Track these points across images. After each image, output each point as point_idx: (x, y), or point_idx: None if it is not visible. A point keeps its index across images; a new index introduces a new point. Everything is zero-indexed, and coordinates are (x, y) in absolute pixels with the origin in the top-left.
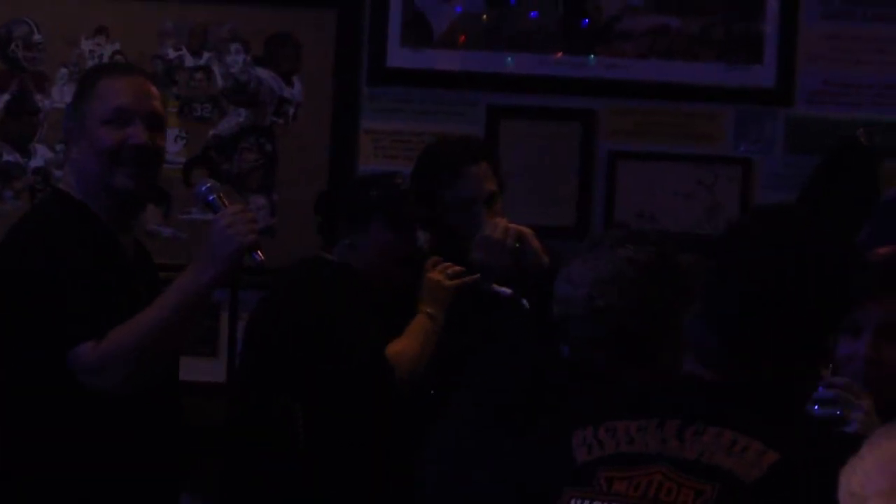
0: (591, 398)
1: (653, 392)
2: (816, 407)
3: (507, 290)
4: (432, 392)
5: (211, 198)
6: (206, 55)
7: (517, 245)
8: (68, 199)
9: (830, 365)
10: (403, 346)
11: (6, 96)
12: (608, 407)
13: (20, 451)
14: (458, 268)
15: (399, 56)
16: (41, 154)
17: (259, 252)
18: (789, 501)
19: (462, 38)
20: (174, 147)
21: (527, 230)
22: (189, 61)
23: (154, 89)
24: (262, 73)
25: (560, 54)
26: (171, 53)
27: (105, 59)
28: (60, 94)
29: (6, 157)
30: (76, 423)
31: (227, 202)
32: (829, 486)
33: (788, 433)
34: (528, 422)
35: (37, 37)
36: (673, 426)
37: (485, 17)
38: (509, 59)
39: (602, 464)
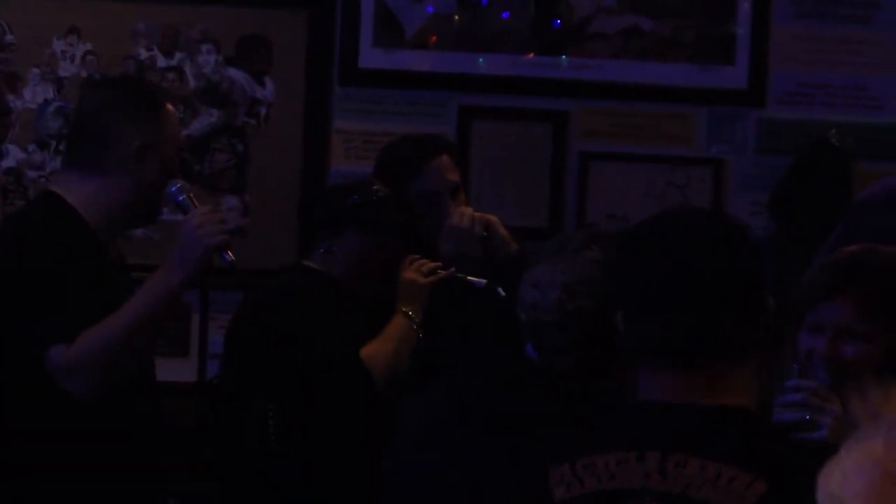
0: (564, 431)
1: (625, 421)
2: (785, 411)
3: (482, 281)
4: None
5: (181, 198)
6: (177, 56)
7: (484, 233)
8: (59, 202)
9: (796, 365)
10: (377, 348)
11: None
12: (582, 441)
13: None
14: (433, 264)
15: (371, 57)
16: (13, 154)
17: (229, 252)
18: None
19: (434, 38)
20: None
21: (493, 217)
22: (161, 62)
23: None
24: (234, 73)
25: (532, 55)
26: (143, 54)
27: (77, 60)
28: (32, 95)
29: None
30: (57, 425)
31: (197, 203)
32: None
33: (771, 458)
34: (496, 430)
35: (8, 37)
36: (653, 458)
37: (457, 17)
38: (481, 59)
39: (583, 501)
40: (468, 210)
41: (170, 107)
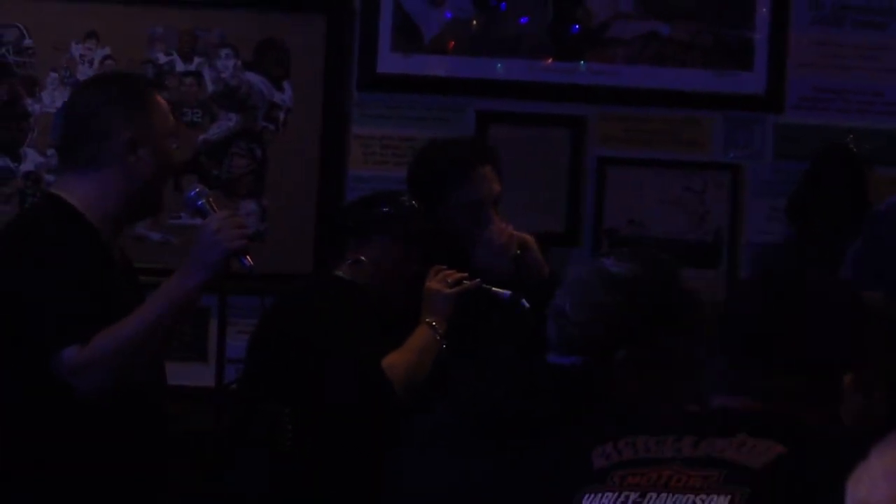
0: (613, 418)
1: (675, 415)
2: None
3: (507, 293)
4: None
5: (200, 203)
6: (196, 60)
7: (518, 252)
8: (61, 203)
9: None
10: (398, 358)
11: None
12: (628, 426)
13: (4, 453)
14: (458, 274)
15: (389, 62)
16: (31, 159)
17: (248, 257)
18: (795, 484)
19: (452, 43)
20: None
21: (529, 238)
22: (179, 66)
23: None
24: (253, 78)
25: (550, 60)
26: (162, 58)
27: (96, 64)
28: (51, 99)
29: None
30: (60, 428)
31: (215, 207)
32: (835, 477)
33: (799, 435)
34: (505, 435)
35: (27, 41)
36: (689, 440)
37: (474, 22)
38: (499, 64)
39: (617, 467)
40: (508, 227)
41: (159, 98)
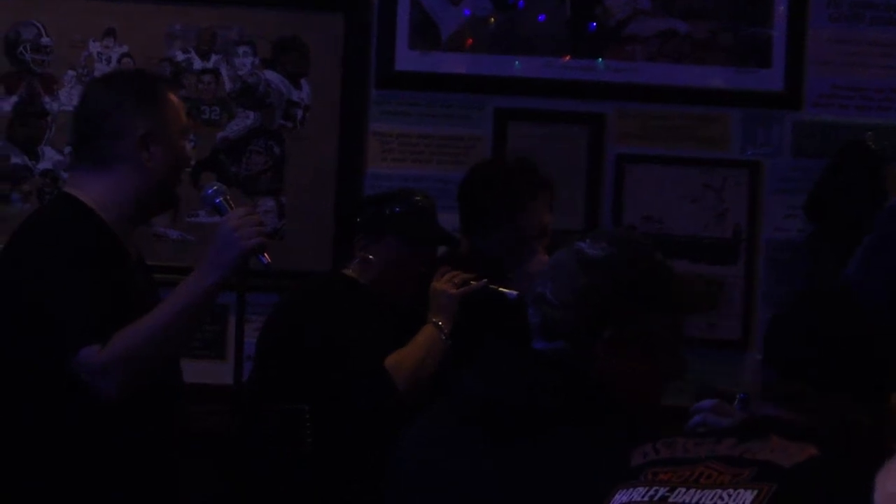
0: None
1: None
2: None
3: (514, 293)
4: None
5: (217, 200)
6: (214, 58)
7: None
8: (76, 202)
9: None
10: (402, 357)
11: (14, 99)
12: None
13: (21, 454)
14: (465, 275)
15: (407, 59)
16: (49, 157)
17: (266, 255)
18: (825, 485)
19: (470, 41)
20: None
21: None
22: (197, 64)
23: None
24: (271, 75)
25: (568, 57)
26: (180, 56)
27: (114, 62)
28: (68, 97)
29: (14, 160)
30: (78, 428)
31: (233, 205)
32: (865, 479)
33: (834, 439)
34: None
35: (45, 39)
36: (729, 441)
37: (493, 20)
38: (517, 62)
39: (652, 465)
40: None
41: (172, 94)
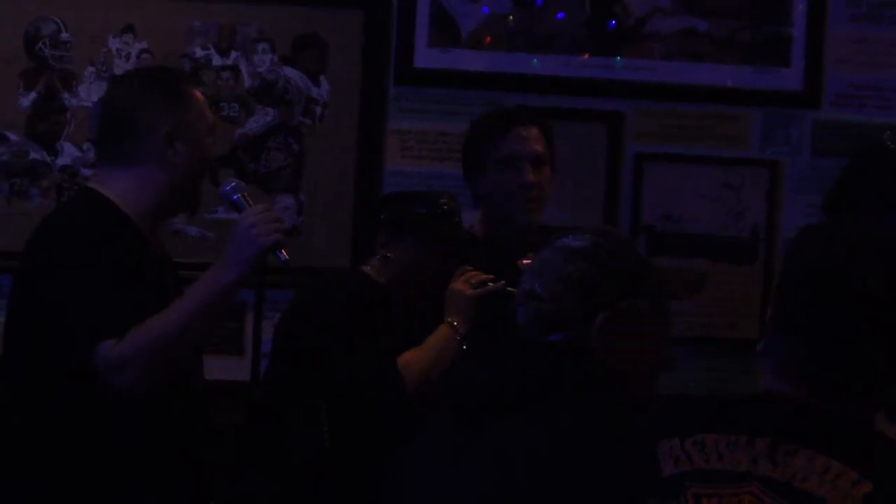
0: (674, 409)
1: (738, 406)
2: None
3: None
4: None
5: (235, 197)
6: (233, 54)
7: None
8: (99, 197)
9: None
10: (414, 356)
11: (33, 94)
12: (693, 419)
13: (40, 451)
14: (483, 276)
15: (426, 56)
16: (68, 152)
17: (284, 251)
18: None
19: (489, 38)
20: None
21: None
22: (216, 60)
23: None
24: (290, 72)
25: (587, 56)
26: (199, 52)
27: (133, 58)
28: (88, 93)
29: (33, 156)
30: (102, 424)
31: (251, 201)
32: None
33: (882, 463)
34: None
35: (64, 35)
36: (763, 444)
37: (511, 18)
38: (536, 60)
39: (689, 479)
40: (543, 188)
41: (196, 92)
